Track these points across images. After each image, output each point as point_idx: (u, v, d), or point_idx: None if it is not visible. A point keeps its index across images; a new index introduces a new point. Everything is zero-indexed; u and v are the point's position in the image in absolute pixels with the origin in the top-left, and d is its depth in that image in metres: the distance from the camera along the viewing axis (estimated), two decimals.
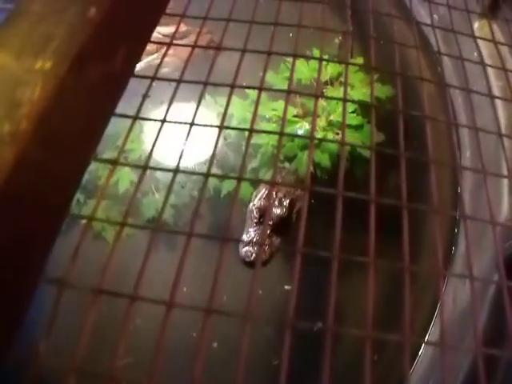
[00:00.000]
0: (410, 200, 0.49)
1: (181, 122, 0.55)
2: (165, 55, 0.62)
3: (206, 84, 0.56)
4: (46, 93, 0.37)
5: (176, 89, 0.56)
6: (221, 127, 0.52)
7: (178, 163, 0.50)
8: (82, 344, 0.36)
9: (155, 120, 0.55)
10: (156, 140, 0.53)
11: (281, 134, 0.54)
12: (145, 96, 0.55)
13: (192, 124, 0.55)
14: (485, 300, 1.04)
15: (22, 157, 0.33)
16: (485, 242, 1.07)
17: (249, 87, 0.62)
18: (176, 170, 0.48)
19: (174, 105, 0.58)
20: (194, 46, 0.63)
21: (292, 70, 0.64)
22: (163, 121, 0.54)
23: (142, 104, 0.55)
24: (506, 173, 0.59)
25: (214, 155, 0.51)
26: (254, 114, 0.56)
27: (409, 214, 0.48)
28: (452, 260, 1.41)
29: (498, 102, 1.00)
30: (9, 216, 0.33)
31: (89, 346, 0.37)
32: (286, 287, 1.42)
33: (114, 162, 0.47)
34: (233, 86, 0.56)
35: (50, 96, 0.37)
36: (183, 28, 1.71)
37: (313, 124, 0.89)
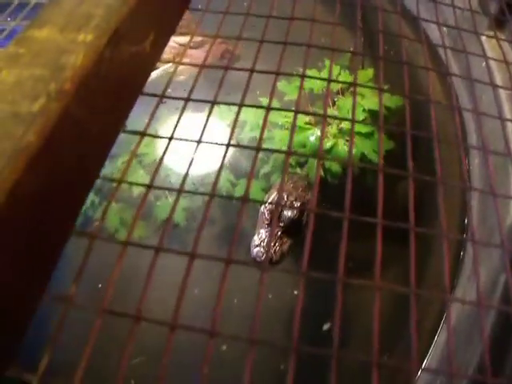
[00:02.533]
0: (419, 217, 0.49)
1: (187, 140, 0.55)
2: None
3: (213, 103, 0.58)
4: (87, 61, 0.41)
5: (184, 107, 0.58)
6: (228, 145, 0.54)
7: (184, 178, 0.50)
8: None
9: (162, 137, 0.55)
10: (163, 155, 0.52)
11: (288, 153, 0.54)
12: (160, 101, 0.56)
13: (199, 142, 0.54)
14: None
15: (66, 111, 0.37)
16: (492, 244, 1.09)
17: (258, 106, 0.62)
18: (179, 190, 0.50)
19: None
20: (203, 66, 0.64)
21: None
22: (170, 138, 0.54)
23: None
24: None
25: (220, 170, 0.53)
26: (261, 134, 0.55)
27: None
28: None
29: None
30: (48, 168, 0.37)
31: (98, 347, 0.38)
32: (296, 292, 1.44)
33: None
34: (241, 105, 0.57)
35: (90, 64, 0.41)
36: (199, 38, 1.78)
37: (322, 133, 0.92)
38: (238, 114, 0.55)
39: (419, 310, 0.44)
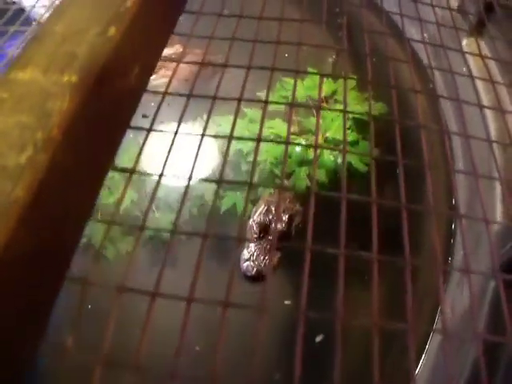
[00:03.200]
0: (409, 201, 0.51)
1: (178, 177, 0.56)
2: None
3: (203, 135, 0.58)
4: (74, 104, 0.40)
5: (173, 140, 0.58)
6: (218, 182, 0.53)
7: (175, 221, 0.50)
8: (106, 338, 0.38)
9: (153, 175, 0.56)
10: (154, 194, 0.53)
11: (281, 188, 0.56)
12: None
13: (190, 178, 0.55)
14: (483, 304, 1.07)
15: (53, 161, 0.36)
16: (480, 249, 1.10)
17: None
18: (172, 231, 0.49)
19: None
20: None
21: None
22: (161, 175, 0.55)
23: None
24: (497, 177, 0.62)
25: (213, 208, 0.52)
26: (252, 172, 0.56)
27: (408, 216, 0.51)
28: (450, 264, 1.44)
29: (488, 113, 1.05)
30: (38, 221, 0.36)
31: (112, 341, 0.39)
32: (286, 302, 1.43)
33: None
34: (230, 137, 0.58)
35: (76, 107, 0.40)
36: (180, 49, 1.77)
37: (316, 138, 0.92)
38: (228, 144, 0.55)
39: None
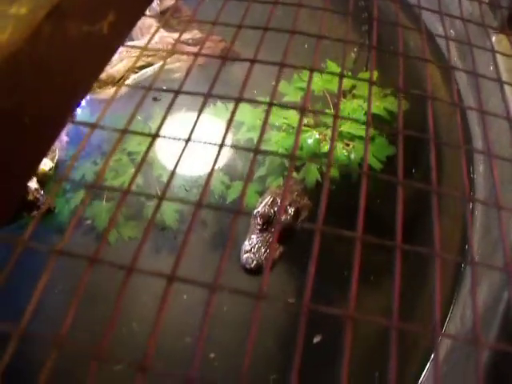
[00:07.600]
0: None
1: (176, 138, 0.51)
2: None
3: (206, 96, 0.53)
4: (17, 37, 0.35)
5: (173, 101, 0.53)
6: (221, 145, 0.48)
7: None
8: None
9: (146, 135, 0.51)
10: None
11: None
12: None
13: (188, 140, 0.50)
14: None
15: None
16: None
17: (256, 101, 0.58)
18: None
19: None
20: (197, 54, 0.59)
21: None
22: (154, 136, 0.50)
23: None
24: None
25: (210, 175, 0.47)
26: (260, 136, 0.51)
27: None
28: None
29: None
30: None
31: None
32: (290, 300, 1.37)
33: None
34: (239, 100, 0.53)
35: (20, 42, 0.35)
36: (198, 35, 1.72)
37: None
38: (234, 111, 0.49)
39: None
